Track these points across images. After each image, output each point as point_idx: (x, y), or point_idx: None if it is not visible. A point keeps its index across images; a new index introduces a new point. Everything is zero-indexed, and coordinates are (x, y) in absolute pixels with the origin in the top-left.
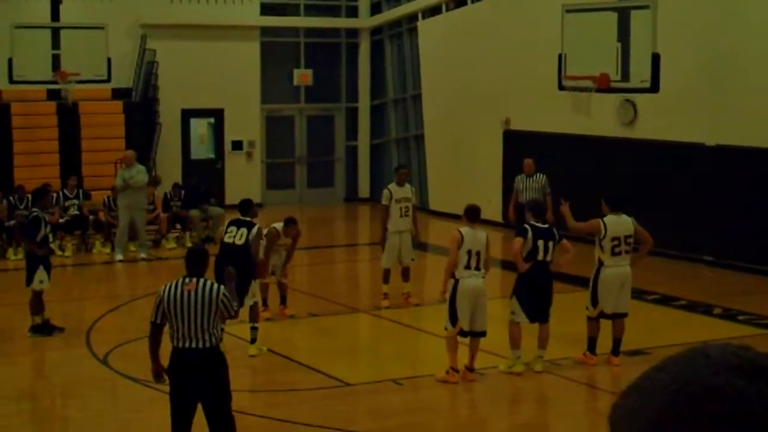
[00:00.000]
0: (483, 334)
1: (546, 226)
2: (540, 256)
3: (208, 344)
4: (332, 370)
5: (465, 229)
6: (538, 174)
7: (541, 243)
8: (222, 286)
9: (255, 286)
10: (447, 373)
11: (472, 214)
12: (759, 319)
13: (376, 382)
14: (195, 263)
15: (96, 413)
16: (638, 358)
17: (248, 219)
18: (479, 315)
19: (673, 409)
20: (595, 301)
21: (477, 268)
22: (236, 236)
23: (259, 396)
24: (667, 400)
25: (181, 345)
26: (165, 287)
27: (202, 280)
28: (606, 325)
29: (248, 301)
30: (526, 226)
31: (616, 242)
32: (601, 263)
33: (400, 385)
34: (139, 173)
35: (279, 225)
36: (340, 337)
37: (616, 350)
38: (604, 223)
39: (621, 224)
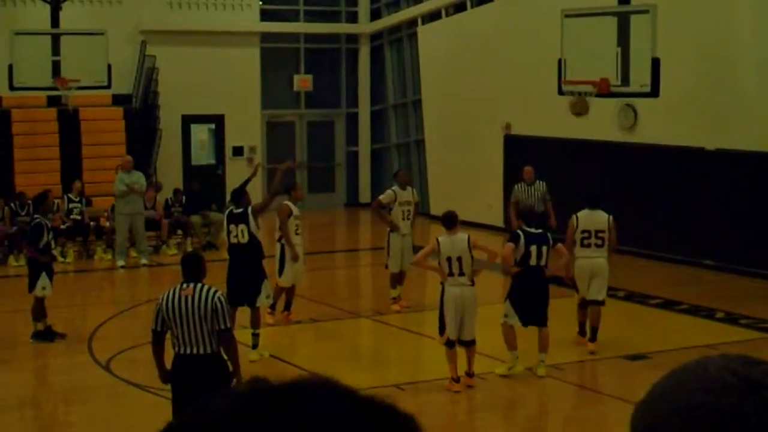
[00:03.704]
0: (471, 342)
1: (539, 231)
2: (533, 261)
3: (209, 350)
4: (334, 375)
5: (442, 238)
6: (538, 182)
7: (534, 248)
8: (218, 291)
9: (268, 285)
10: (449, 382)
11: (446, 221)
12: (761, 323)
13: (379, 388)
14: (191, 269)
15: (98, 419)
16: (640, 363)
17: (241, 210)
18: (466, 323)
19: (658, 421)
20: (575, 288)
21: (461, 274)
22: (239, 234)
23: None
24: (656, 411)
25: (182, 351)
26: (164, 294)
27: (199, 285)
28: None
29: (264, 301)
30: (519, 231)
31: (585, 234)
32: (574, 254)
33: (403, 390)
34: (140, 178)
35: (287, 201)
36: (341, 343)
37: (593, 337)
38: (577, 217)
39: (593, 218)
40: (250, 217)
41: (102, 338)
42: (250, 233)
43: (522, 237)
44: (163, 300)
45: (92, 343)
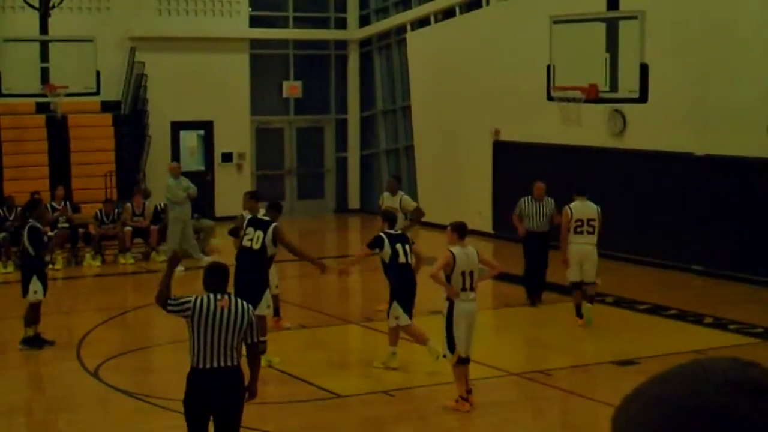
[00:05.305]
0: (467, 360)
1: (399, 232)
2: (402, 259)
3: (234, 362)
4: (323, 382)
5: (456, 249)
6: (547, 198)
7: (399, 247)
8: (251, 306)
9: (269, 296)
10: (456, 401)
11: (462, 231)
12: (749, 328)
13: (368, 394)
14: (223, 279)
15: (87, 426)
16: (629, 368)
17: (267, 219)
18: (469, 339)
19: (673, 423)
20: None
21: (471, 289)
22: (253, 239)
23: (250, 408)
24: (669, 414)
25: (208, 365)
26: (196, 299)
27: (233, 298)
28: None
29: (265, 311)
30: (381, 235)
31: (578, 223)
32: (569, 240)
33: (392, 397)
34: (188, 182)
35: (244, 212)
36: (331, 349)
37: (590, 300)
38: (570, 209)
39: (585, 209)
40: (270, 231)
41: (90, 345)
42: (263, 242)
43: (386, 239)
44: (195, 305)
45: (81, 350)
